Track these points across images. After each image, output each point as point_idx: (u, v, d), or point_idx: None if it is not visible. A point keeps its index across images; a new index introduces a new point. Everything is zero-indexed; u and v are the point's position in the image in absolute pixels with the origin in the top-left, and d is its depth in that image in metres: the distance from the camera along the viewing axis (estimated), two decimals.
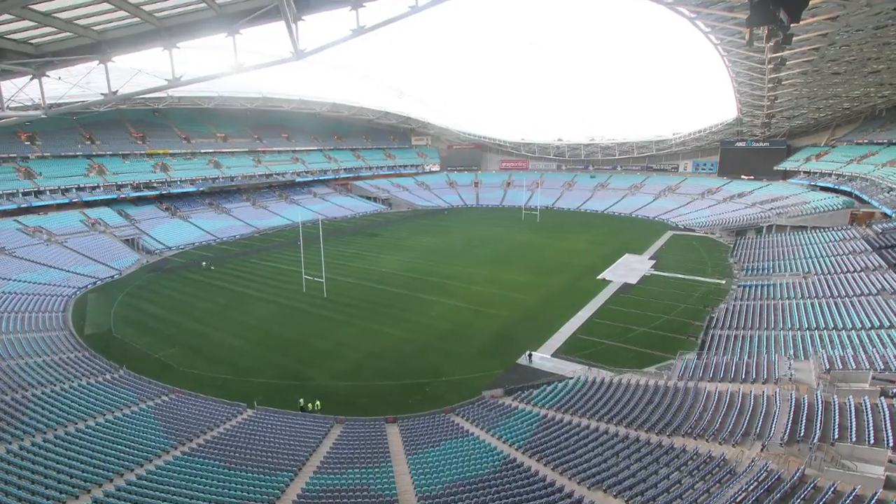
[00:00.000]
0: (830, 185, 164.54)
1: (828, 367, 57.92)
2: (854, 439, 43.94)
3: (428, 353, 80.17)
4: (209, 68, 44.51)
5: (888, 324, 73.52)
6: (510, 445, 55.39)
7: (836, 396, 50.40)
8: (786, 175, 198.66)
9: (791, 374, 58.29)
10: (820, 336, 73.88)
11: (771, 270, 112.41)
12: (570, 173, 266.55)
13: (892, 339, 67.58)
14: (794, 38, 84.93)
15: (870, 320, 76.06)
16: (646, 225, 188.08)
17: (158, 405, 65.11)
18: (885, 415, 45.91)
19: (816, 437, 44.76)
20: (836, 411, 48.04)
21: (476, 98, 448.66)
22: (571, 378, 69.65)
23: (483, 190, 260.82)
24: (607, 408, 60.04)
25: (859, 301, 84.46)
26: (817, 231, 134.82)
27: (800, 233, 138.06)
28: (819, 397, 50.43)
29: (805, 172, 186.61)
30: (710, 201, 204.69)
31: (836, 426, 46.05)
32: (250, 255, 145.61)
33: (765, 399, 53.74)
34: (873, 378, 53.39)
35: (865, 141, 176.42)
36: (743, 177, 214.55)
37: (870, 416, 46.36)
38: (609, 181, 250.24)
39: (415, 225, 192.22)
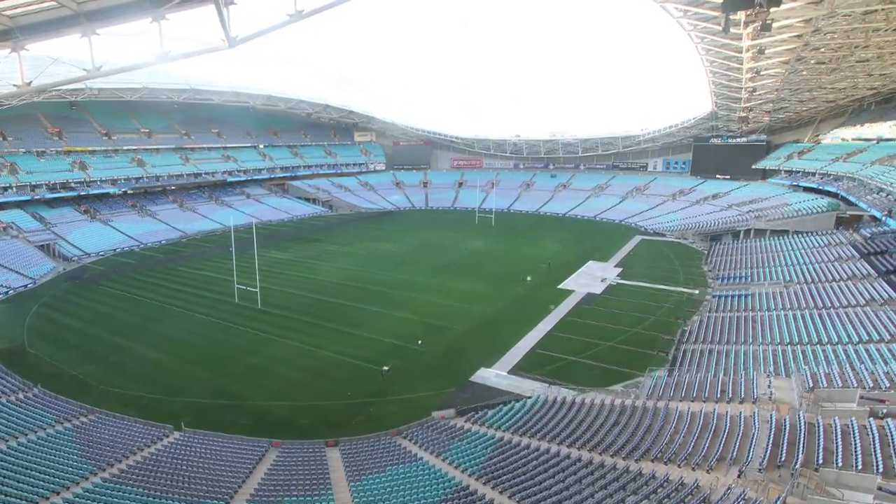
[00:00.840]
0: (814, 186, 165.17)
1: (811, 385, 57.83)
2: (840, 464, 43.69)
3: (373, 370, 79.28)
4: (133, 57, 43.72)
5: (877, 337, 73.87)
6: (463, 471, 54.96)
7: (820, 417, 50.28)
8: (765, 174, 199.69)
9: (771, 393, 58.27)
10: (803, 351, 74.23)
11: (749, 279, 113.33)
12: (528, 172, 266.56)
13: (881, 355, 67.94)
14: (774, 25, 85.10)
15: (857, 334, 76.33)
16: (611, 229, 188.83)
17: (76, 427, 64.12)
18: (874, 437, 45.83)
19: (799, 462, 44.53)
20: (821, 433, 47.88)
21: (426, 91, 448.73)
22: (530, 397, 69.42)
23: (433, 191, 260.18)
24: (569, 430, 59.60)
25: (846, 313, 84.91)
26: (800, 236, 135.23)
27: (781, 238, 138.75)
28: (802, 418, 50.28)
29: (786, 171, 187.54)
30: (681, 203, 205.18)
31: (821, 450, 45.81)
32: (177, 262, 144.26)
33: (742, 420, 53.48)
34: (861, 397, 53.42)
35: (852, 137, 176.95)
36: (718, 176, 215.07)
37: (857, 438, 46.24)
38: (571, 181, 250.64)
39: (358, 229, 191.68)
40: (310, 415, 68.74)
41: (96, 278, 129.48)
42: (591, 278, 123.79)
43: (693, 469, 48.05)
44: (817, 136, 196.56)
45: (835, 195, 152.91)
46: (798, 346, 76.47)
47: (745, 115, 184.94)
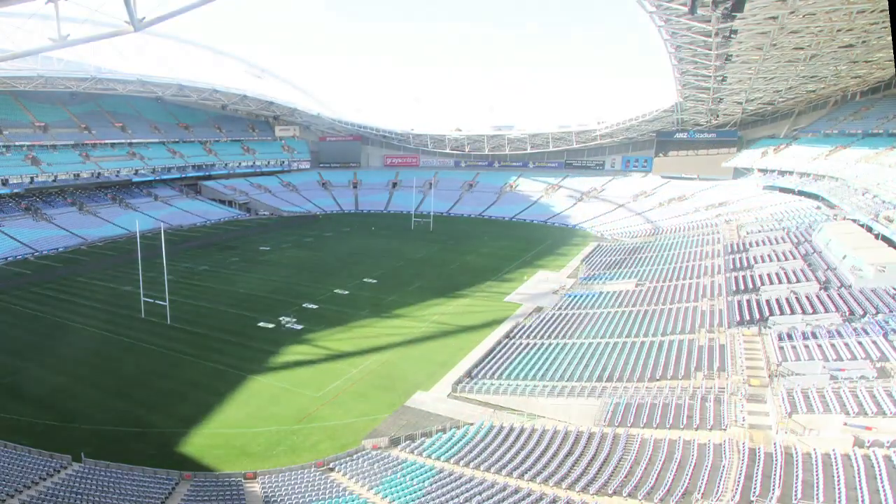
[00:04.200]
0: (792, 187, 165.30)
1: (789, 409, 57.11)
2: (821, 499, 43.66)
3: (296, 393, 79.04)
4: (26, 42, 43.52)
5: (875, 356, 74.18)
6: None
7: (798, 446, 50.30)
8: (737, 173, 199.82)
9: (743, 419, 57.81)
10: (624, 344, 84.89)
11: (604, 279, 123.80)
12: (470, 171, 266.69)
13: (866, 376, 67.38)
14: (747, 5, 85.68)
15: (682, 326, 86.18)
16: (564, 235, 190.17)
17: None
18: (858, 469, 45.80)
19: (775, 497, 44.43)
20: (799, 464, 47.92)
21: (355, 80, 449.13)
22: (472, 424, 69.31)
23: (363, 192, 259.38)
24: (517, 460, 59.31)
25: (684, 308, 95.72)
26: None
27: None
28: (778, 447, 50.27)
29: (760, 170, 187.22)
30: (643, 206, 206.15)
31: (800, 482, 45.79)
32: (77, 272, 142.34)
33: (711, 449, 53.35)
34: (845, 424, 53.08)
35: (835, 132, 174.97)
36: (684, 175, 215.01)
37: (840, 470, 46.16)
38: (518, 181, 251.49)
39: (280, 235, 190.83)
40: (225, 444, 67.76)
41: None
42: (542, 290, 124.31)
43: None
44: (795, 130, 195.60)
45: (815, 197, 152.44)
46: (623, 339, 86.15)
47: (714, 106, 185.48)
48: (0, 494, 54.66)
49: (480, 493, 54.26)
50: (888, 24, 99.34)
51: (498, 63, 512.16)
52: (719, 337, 79.66)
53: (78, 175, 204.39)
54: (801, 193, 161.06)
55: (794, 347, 69.98)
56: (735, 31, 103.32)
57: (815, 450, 49.03)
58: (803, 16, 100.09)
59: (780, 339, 73.12)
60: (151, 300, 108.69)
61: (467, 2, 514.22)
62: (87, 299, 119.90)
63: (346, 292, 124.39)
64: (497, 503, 52.40)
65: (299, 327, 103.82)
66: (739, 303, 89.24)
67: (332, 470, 62.98)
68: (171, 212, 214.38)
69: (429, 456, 63.48)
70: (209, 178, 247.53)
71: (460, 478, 58.32)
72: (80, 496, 55.12)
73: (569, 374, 77.46)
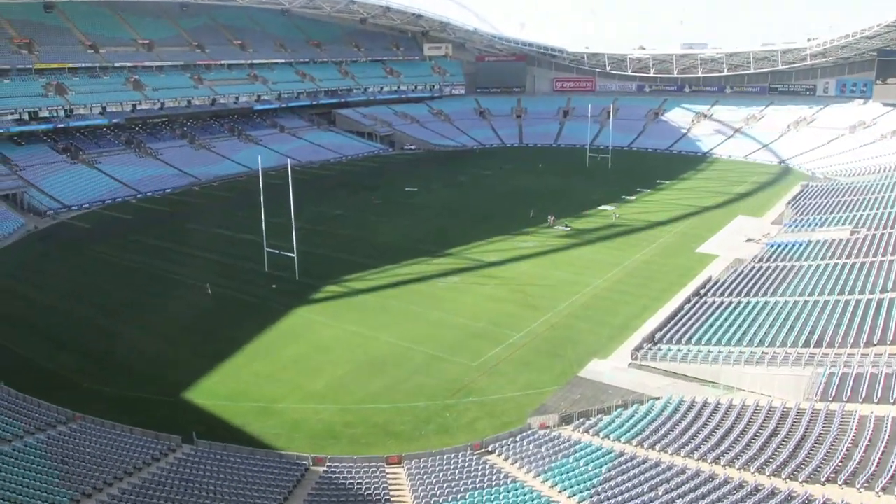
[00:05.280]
0: None
1: None
2: None
3: (448, 362, 78.83)
4: None
5: None
6: (570, 497, 53.70)
7: None
8: None
9: None
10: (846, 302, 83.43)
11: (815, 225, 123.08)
12: (656, 98, 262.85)
13: None
14: None
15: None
16: (767, 173, 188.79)
17: (52, 438, 62.78)
18: None
19: None
20: None
21: None
22: (659, 398, 68.48)
23: (529, 122, 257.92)
24: (713, 442, 58.38)
25: None
26: None
27: None
28: None
29: None
30: (861, 139, 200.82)
31: None
32: (187, 218, 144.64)
33: None
34: None
35: None
36: None
37: None
38: (713, 109, 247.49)
39: (429, 173, 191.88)
40: (364, 422, 67.71)
41: (79, 239, 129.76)
42: (741, 239, 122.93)
43: (878, 495, 46.09)
44: None
45: None
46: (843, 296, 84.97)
47: None
48: (98, 482, 54.35)
49: (668, 481, 53.23)
50: None
51: None
52: None
53: (189, 102, 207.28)
54: None
55: None
56: None
57: None
58: None
59: None
60: (276, 251, 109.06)
61: None
62: (199, 249, 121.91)
63: (508, 242, 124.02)
64: (688, 492, 51.06)
65: (452, 283, 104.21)
66: None
67: (490, 453, 62.73)
68: (300, 145, 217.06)
69: (607, 436, 62.87)
70: (345, 105, 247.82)
71: (644, 462, 57.40)
72: (190, 484, 54.83)
73: (770, 338, 76.68)
